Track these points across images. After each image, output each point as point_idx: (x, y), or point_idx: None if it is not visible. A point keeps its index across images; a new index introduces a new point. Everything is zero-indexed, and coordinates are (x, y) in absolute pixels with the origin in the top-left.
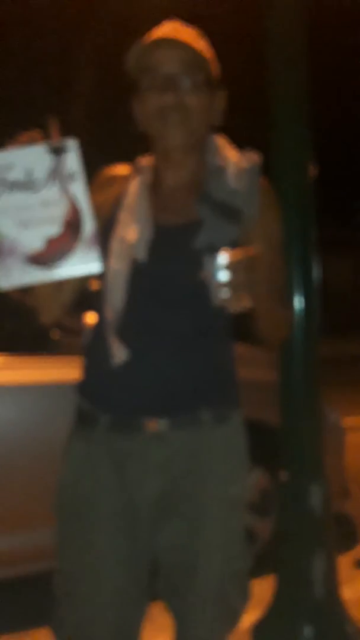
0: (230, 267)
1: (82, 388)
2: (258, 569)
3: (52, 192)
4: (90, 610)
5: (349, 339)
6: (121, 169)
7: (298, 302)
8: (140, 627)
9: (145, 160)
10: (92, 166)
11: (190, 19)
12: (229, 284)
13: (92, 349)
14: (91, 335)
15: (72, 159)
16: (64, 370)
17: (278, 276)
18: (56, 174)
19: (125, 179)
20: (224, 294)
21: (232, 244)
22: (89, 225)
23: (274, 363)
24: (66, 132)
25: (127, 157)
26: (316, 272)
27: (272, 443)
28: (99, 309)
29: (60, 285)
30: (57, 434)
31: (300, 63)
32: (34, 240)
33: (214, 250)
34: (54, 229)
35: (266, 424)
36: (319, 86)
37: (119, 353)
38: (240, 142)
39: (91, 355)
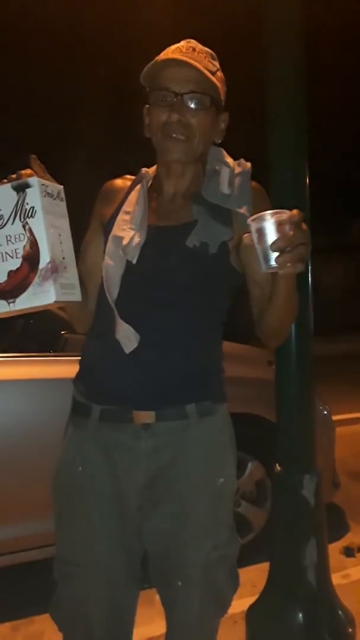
0: (282, 228)
1: (77, 381)
2: (253, 556)
3: (15, 228)
4: (84, 591)
5: (339, 339)
6: (123, 181)
7: None
8: (134, 608)
9: (148, 170)
10: (99, 177)
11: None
12: (282, 244)
13: (87, 345)
14: (88, 331)
15: (33, 195)
16: (70, 367)
17: None
18: (18, 210)
19: (127, 189)
20: (276, 256)
21: (223, 244)
22: (45, 258)
23: (270, 362)
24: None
25: (131, 165)
26: (309, 277)
27: (267, 436)
28: (97, 306)
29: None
30: (62, 425)
31: (298, 70)
32: None
33: (206, 248)
34: (15, 263)
35: (262, 418)
36: (317, 95)
37: (132, 339)
38: (238, 153)
39: (86, 350)
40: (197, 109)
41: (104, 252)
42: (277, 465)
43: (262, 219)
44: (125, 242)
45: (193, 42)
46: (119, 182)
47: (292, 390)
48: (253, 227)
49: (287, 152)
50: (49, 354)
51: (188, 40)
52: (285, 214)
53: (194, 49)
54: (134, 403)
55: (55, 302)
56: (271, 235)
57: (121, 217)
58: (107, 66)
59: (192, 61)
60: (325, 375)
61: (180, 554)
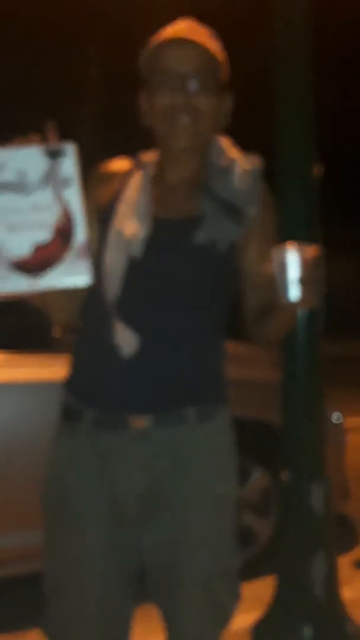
0: (306, 263)
1: (69, 384)
2: (258, 569)
3: (44, 197)
4: (76, 607)
5: (352, 339)
6: (121, 164)
7: None
8: (129, 625)
9: (148, 155)
10: (94, 159)
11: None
12: (304, 281)
13: (79, 345)
14: (80, 331)
15: (69, 164)
16: (64, 369)
17: None
18: (50, 178)
19: (125, 174)
20: (297, 291)
21: (232, 243)
22: (80, 234)
23: (276, 363)
24: (68, 125)
25: (130, 150)
26: None
27: (273, 443)
28: (91, 304)
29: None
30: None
31: (305, 61)
32: (21, 245)
33: (215, 245)
34: (43, 236)
35: (268, 423)
36: (325, 86)
37: (130, 342)
38: (244, 143)
39: (78, 351)
40: (203, 90)
41: (98, 239)
42: (283, 472)
43: (285, 252)
44: (128, 235)
45: (191, 23)
46: (115, 164)
47: (299, 393)
48: (276, 259)
49: (296, 145)
50: (39, 353)
51: (186, 20)
52: (308, 250)
53: (193, 30)
54: (130, 406)
55: (87, 284)
56: (293, 270)
57: (122, 207)
58: (102, 49)
59: (195, 38)
60: (335, 378)
61: (181, 567)
